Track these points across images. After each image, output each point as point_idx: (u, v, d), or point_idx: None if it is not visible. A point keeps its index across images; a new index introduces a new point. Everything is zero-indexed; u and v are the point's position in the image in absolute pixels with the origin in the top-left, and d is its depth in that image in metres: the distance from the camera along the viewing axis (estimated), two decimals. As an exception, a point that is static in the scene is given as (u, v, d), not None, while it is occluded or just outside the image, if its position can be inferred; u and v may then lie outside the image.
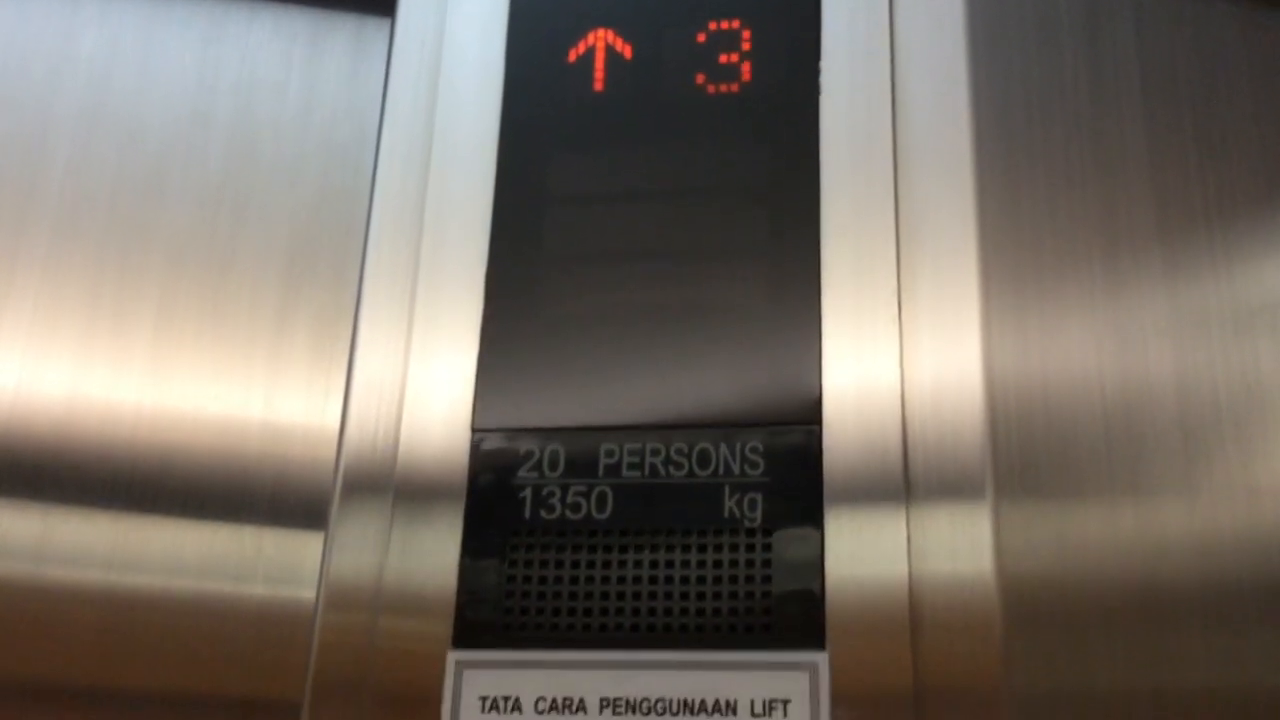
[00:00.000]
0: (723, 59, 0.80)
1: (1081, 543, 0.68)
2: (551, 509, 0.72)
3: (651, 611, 0.69)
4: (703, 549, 0.70)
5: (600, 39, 0.82)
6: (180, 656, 0.73)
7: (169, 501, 0.76)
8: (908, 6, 0.78)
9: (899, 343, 0.72)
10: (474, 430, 0.74)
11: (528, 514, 0.72)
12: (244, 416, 0.78)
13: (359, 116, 0.84)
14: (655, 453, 0.72)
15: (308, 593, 0.73)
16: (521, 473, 0.73)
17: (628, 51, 0.81)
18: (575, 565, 0.71)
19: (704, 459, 0.72)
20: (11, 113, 0.86)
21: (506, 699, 0.69)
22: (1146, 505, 0.68)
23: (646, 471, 0.72)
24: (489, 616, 0.70)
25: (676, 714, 0.67)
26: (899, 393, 0.71)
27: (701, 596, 0.69)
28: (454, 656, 0.70)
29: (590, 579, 0.70)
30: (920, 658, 0.66)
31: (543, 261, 0.77)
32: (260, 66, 0.87)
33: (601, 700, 0.68)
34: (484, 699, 0.69)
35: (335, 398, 0.77)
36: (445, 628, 0.70)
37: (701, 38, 0.81)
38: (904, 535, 0.68)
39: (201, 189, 0.83)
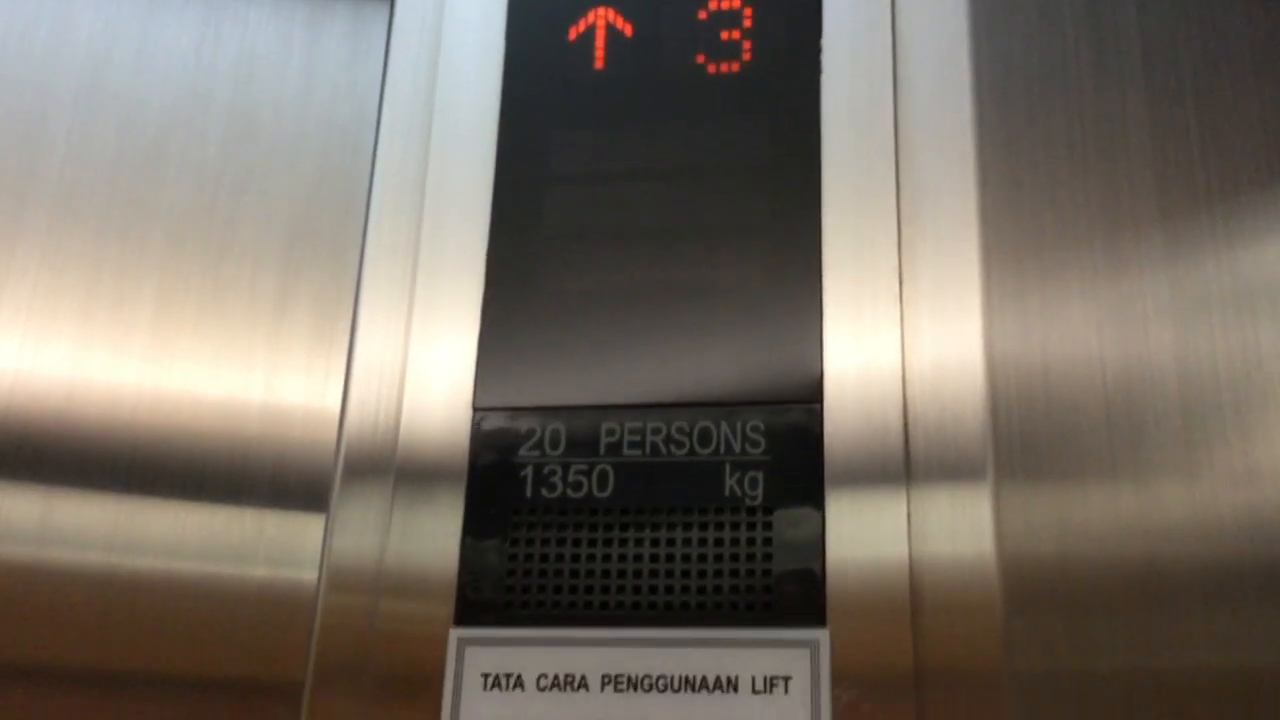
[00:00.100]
0: (724, 37, 0.80)
1: (1082, 525, 0.68)
2: (553, 488, 0.72)
3: (653, 589, 0.69)
4: (704, 527, 0.70)
5: (601, 17, 0.81)
6: (182, 638, 0.73)
7: (170, 483, 0.76)
8: (909, -13, 0.78)
9: (900, 324, 0.72)
10: (475, 409, 0.74)
11: (529, 493, 0.72)
12: (244, 398, 0.78)
13: (359, 96, 0.84)
14: (656, 431, 0.72)
15: (309, 574, 0.73)
16: (523, 451, 0.73)
17: (628, 30, 0.81)
18: (576, 544, 0.71)
19: (705, 437, 0.72)
20: (11, 92, 0.86)
21: (508, 676, 0.69)
22: (1147, 487, 0.68)
23: (647, 450, 0.72)
24: (491, 595, 0.70)
25: (678, 691, 0.67)
26: (900, 374, 0.71)
27: (702, 574, 0.69)
28: (456, 634, 0.70)
29: (591, 557, 0.70)
30: (921, 638, 0.66)
31: (543, 240, 0.77)
32: (260, 45, 0.87)
33: (603, 677, 0.68)
34: (486, 676, 0.69)
35: (336, 379, 0.77)
36: (447, 608, 0.70)
37: (702, 16, 0.80)
38: (904, 516, 0.68)
39: (201, 169, 0.83)
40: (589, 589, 0.70)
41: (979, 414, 0.70)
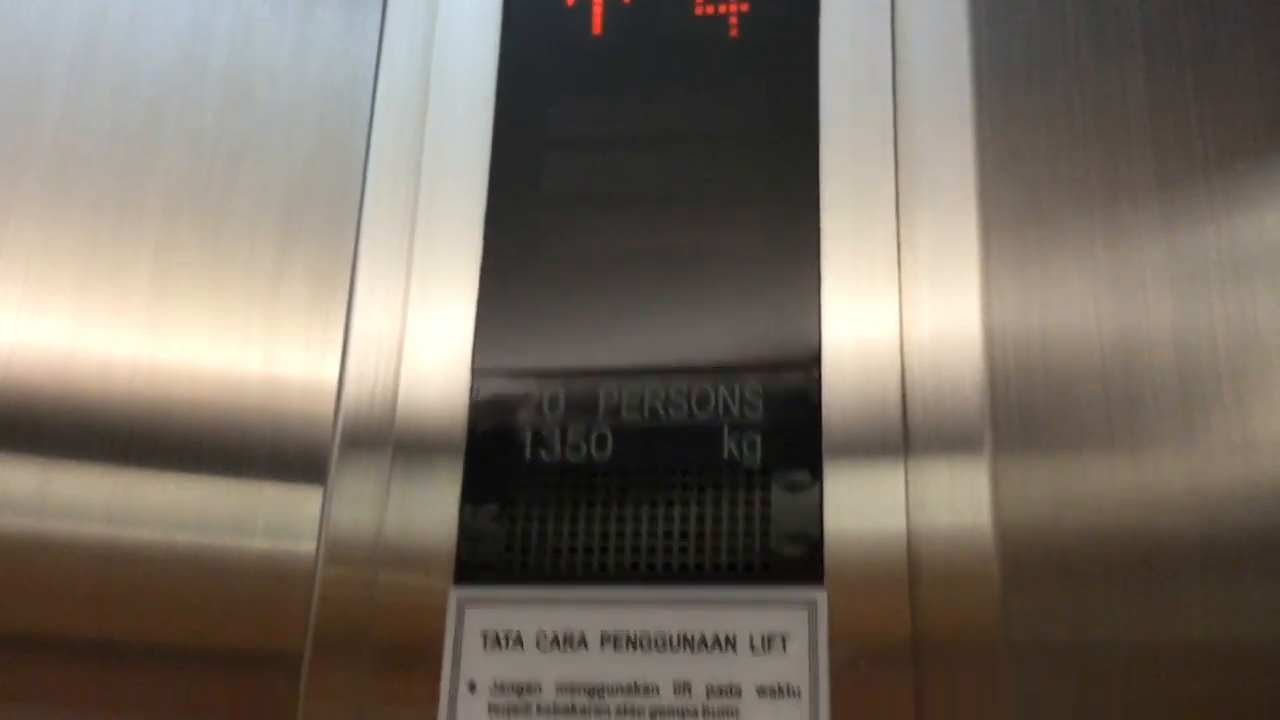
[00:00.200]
0: (721, 9, 0.79)
1: (1079, 496, 0.68)
2: (552, 450, 0.72)
3: (651, 550, 0.69)
4: (702, 489, 0.70)
5: (599, -18, 0.81)
6: (180, 609, 0.73)
7: (167, 455, 0.76)
8: (909, -49, 0.77)
9: (898, 292, 0.72)
10: (473, 372, 0.74)
11: (528, 456, 0.72)
12: (242, 370, 0.77)
13: (354, 62, 0.83)
14: (655, 395, 0.72)
15: (308, 546, 0.73)
16: (521, 414, 0.73)
17: (626, -5, 0.80)
18: (575, 505, 0.71)
19: (703, 400, 0.72)
20: (5, 57, 0.85)
21: (508, 634, 0.69)
22: (1144, 458, 0.68)
23: (646, 413, 0.72)
24: (490, 555, 0.71)
25: (676, 649, 0.68)
26: (898, 344, 0.71)
27: (701, 535, 0.69)
28: (456, 593, 0.70)
29: (590, 518, 0.71)
30: (918, 607, 0.66)
31: (542, 206, 0.77)
32: (255, 10, 0.86)
33: (602, 635, 0.69)
34: (485, 634, 0.69)
35: (334, 350, 0.77)
36: (446, 579, 0.70)
37: (700, -20, 0.80)
38: (902, 485, 0.68)
39: (198, 136, 0.83)
40: (588, 549, 0.70)
41: (977, 385, 0.70)
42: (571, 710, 0.68)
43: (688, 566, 0.69)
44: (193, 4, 0.86)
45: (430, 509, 0.72)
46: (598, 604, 0.69)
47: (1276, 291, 0.69)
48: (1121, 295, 0.71)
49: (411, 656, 0.70)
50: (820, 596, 0.67)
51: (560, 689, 0.69)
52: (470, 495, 0.72)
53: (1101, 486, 0.68)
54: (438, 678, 0.69)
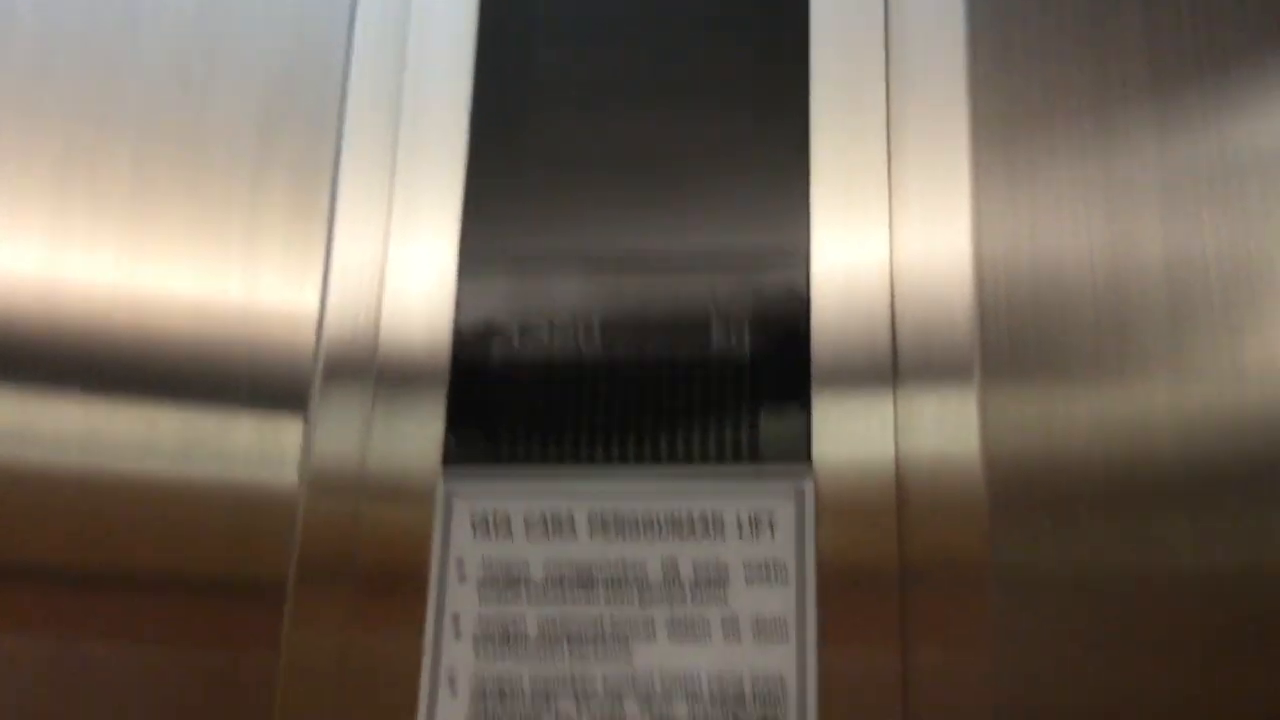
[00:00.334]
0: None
1: (1068, 424, 0.67)
2: (540, 342, 0.72)
3: (639, 438, 0.69)
4: (689, 379, 0.70)
5: None
6: (161, 538, 0.72)
7: (146, 384, 0.75)
8: None
9: (888, 204, 0.71)
10: (459, 292, 0.74)
11: (515, 345, 0.72)
12: (222, 297, 0.76)
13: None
14: (643, 288, 0.72)
15: (290, 476, 0.72)
16: (508, 311, 0.73)
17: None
18: (564, 395, 0.71)
19: (690, 293, 0.72)
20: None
21: (495, 517, 0.69)
22: (1134, 385, 0.68)
23: (633, 306, 0.72)
24: (479, 437, 0.71)
25: (663, 532, 0.68)
26: (888, 261, 0.71)
27: (689, 421, 0.69)
28: (444, 476, 0.70)
29: (579, 408, 0.70)
30: (905, 524, 0.66)
31: (529, 108, 0.77)
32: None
33: (590, 517, 0.69)
34: (473, 518, 0.69)
35: (315, 276, 0.76)
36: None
37: None
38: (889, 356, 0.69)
39: (176, 33, 0.80)
40: (576, 434, 0.70)
41: (967, 311, 0.69)
42: (560, 592, 0.68)
43: (675, 450, 0.69)
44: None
45: (414, 440, 0.72)
46: (586, 486, 0.69)
47: (1268, 209, 0.69)
48: (1113, 213, 0.71)
49: (396, 584, 0.69)
50: (807, 480, 0.67)
51: (549, 571, 0.69)
52: (459, 375, 0.72)
53: (1090, 414, 0.67)
54: (423, 604, 0.68)
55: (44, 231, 0.78)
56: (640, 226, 0.74)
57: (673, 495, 0.69)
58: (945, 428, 0.68)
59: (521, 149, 0.76)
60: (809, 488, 0.68)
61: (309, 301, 0.75)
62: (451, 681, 0.68)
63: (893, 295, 0.71)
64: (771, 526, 0.67)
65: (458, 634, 0.68)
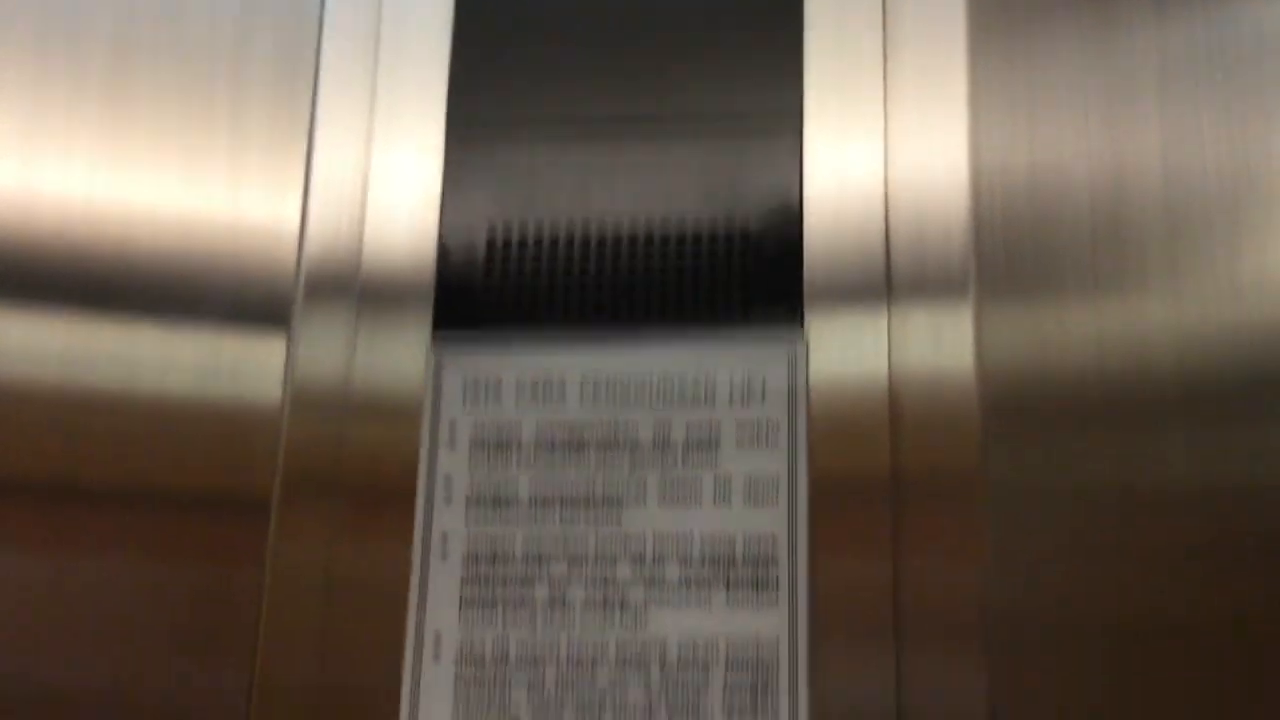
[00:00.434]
0: None
1: (1063, 339, 0.67)
2: (534, 203, 0.71)
3: (630, 299, 0.69)
4: (680, 240, 0.70)
5: None
6: (144, 453, 0.71)
7: (125, 300, 0.74)
8: None
9: (883, 110, 0.70)
10: (443, 203, 0.72)
11: (502, 235, 0.71)
12: (203, 208, 0.75)
13: None
14: (632, 164, 0.72)
15: (274, 392, 0.71)
16: (500, 171, 0.72)
17: None
18: (553, 258, 0.70)
19: (681, 153, 0.71)
20: None
21: (487, 382, 0.69)
22: (1130, 300, 0.67)
23: (625, 173, 0.71)
24: (469, 303, 0.70)
25: (655, 395, 0.68)
26: (882, 171, 0.70)
27: (680, 282, 0.69)
28: (433, 343, 0.70)
29: (569, 271, 0.70)
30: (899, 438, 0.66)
31: (511, 20, 0.75)
32: None
33: (581, 380, 0.68)
34: (464, 384, 0.69)
35: (296, 189, 0.74)
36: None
37: None
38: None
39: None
40: (567, 297, 0.69)
41: (963, 224, 0.68)
42: (551, 456, 0.68)
43: (667, 314, 0.69)
44: None
45: (399, 355, 0.71)
46: (577, 343, 0.69)
47: (1268, 116, 0.67)
48: (1112, 119, 0.69)
49: (382, 500, 0.69)
50: (799, 343, 0.67)
51: (540, 435, 0.68)
52: (448, 243, 0.71)
53: (1086, 330, 0.67)
54: (410, 519, 0.68)
55: (18, 141, 0.76)
56: (630, 98, 0.73)
57: (665, 359, 0.68)
58: (941, 335, 0.68)
59: (506, 47, 0.74)
60: (801, 350, 0.67)
61: (290, 214, 0.74)
62: (444, 545, 0.68)
63: (886, 184, 0.70)
64: (764, 389, 0.67)
65: (449, 499, 0.68)
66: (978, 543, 0.64)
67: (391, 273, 0.72)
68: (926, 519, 0.65)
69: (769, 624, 0.65)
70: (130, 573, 0.70)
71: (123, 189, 0.76)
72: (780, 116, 0.71)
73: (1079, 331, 0.67)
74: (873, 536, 0.65)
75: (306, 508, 0.70)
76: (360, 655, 0.67)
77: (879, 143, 0.71)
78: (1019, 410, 0.67)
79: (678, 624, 0.65)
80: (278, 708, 0.67)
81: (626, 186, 0.71)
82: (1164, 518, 0.64)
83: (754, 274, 0.69)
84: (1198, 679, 0.62)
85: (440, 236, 0.72)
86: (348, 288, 0.72)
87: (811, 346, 0.67)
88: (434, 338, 0.70)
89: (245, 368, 0.73)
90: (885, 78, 0.72)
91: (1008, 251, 0.68)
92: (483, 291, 0.70)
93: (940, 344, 0.67)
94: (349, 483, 0.70)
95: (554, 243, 0.71)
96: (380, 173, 0.74)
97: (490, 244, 0.71)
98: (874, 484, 0.66)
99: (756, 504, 0.66)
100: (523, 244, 0.71)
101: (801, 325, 0.68)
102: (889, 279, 0.68)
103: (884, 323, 0.68)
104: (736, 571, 0.65)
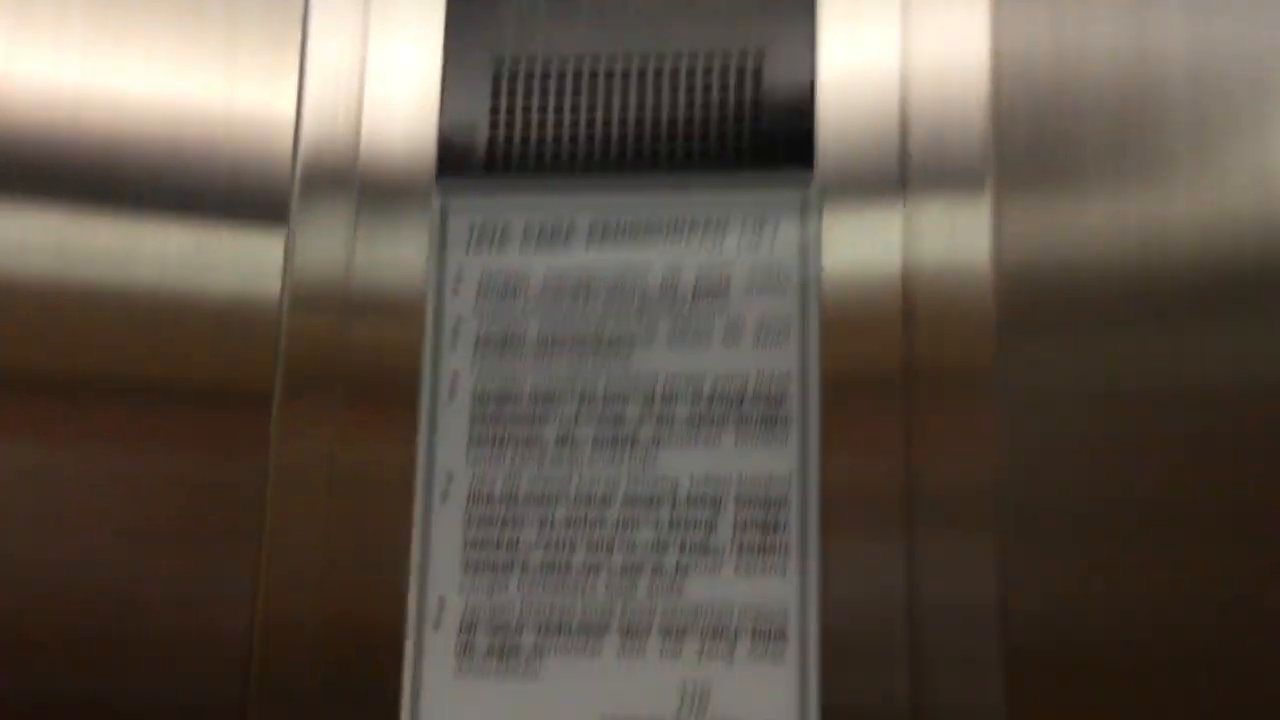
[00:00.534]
0: None
1: (1083, 232, 0.65)
2: (540, 43, 0.70)
3: (638, 140, 0.68)
4: (691, 73, 0.69)
5: None
6: (140, 346, 0.70)
7: (118, 194, 0.72)
8: None
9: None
10: (443, 90, 0.71)
11: (512, 49, 0.70)
12: (198, 98, 0.73)
13: None
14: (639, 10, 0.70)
15: (273, 287, 0.70)
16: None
17: None
18: (559, 100, 0.69)
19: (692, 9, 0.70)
20: None
21: (494, 227, 0.68)
22: (1154, 192, 0.65)
23: (633, 13, 0.70)
24: (475, 147, 0.69)
25: (665, 238, 0.67)
26: (899, 55, 0.69)
27: (690, 123, 0.68)
28: (440, 187, 0.69)
29: (575, 109, 0.69)
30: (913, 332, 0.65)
31: None
32: None
33: (590, 225, 0.67)
34: (471, 229, 0.68)
35: (291, 77, 0.72)
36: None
37: None
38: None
39: None
40: (573, 140, 0.68)
41: (982, 112, 0.67)
42: (559, 301, 0.67)
43: (676, 156, 0.68)
44: None
45: (400, 248, 0.70)
46: (585, 190, 0.68)
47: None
48: (1138, 1, 0.67)
49: (384, 395, 0.68)
50: (811, 186, 0.66)
51: (548, 280, 0.68)
52: (451, 83, 0.70)
53: (1108, 223, 0.65)
54: (413, 414, 0.67)
55: (4, 30, 0.74)
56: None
57: (674, 202, 0.68)
58: (956, 229, 0.66)
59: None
60: (813, 194, 0.67)
61: (286, 103, 0.72)
62: (452, 387, 0.67)
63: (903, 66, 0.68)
64: (775, 232, 0.66)
65: (455, 343, 0.67)
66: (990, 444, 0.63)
67: (390, 164, 0.71)
68: (938, 415, 0.65)
69: (780, 462, 0.64)
70: (133, 466, 0.69)
71: (114, 79, 0.74)
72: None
73: (1099, 225, 0.65)
74: (884, 399, 0.65)
75: (309, 402, 0.69)
76: (369, 510, 0.67)
77: (895, 28, 0.69)
78: (1037, 304, 0.65)
79: (688, 462, 0.65)
80: (287, 591, 0.67)
81: (638, 26, 0.70)
82: (1182, 412, 0.63)
83: (766, 117, 0.68)
84: (1211, 568, 0.61)
85: (441, 98, 0.71)
86: (346, 179, 0.71)
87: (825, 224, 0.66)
88: (438, 185, 0.69)
89: (244, 260, 0.71)
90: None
91: (1028, 141, 0.67)
92: (488, 136, 0.69)
93: (956, 231, 0.66)
94: (351, 378, 0.69)
95: (560, 83, 0.69)
96: (377, 60, 0.73)
97: (495, 85, 0.70)
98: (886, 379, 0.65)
99: (767, 346, 0.66)
100: (529, 84, 0.70)
101: (812, 169, 0.67)
102: (903, 170, 0.67)
103: (899, 209, 0.67)
104: (746, 409, 0.65)
